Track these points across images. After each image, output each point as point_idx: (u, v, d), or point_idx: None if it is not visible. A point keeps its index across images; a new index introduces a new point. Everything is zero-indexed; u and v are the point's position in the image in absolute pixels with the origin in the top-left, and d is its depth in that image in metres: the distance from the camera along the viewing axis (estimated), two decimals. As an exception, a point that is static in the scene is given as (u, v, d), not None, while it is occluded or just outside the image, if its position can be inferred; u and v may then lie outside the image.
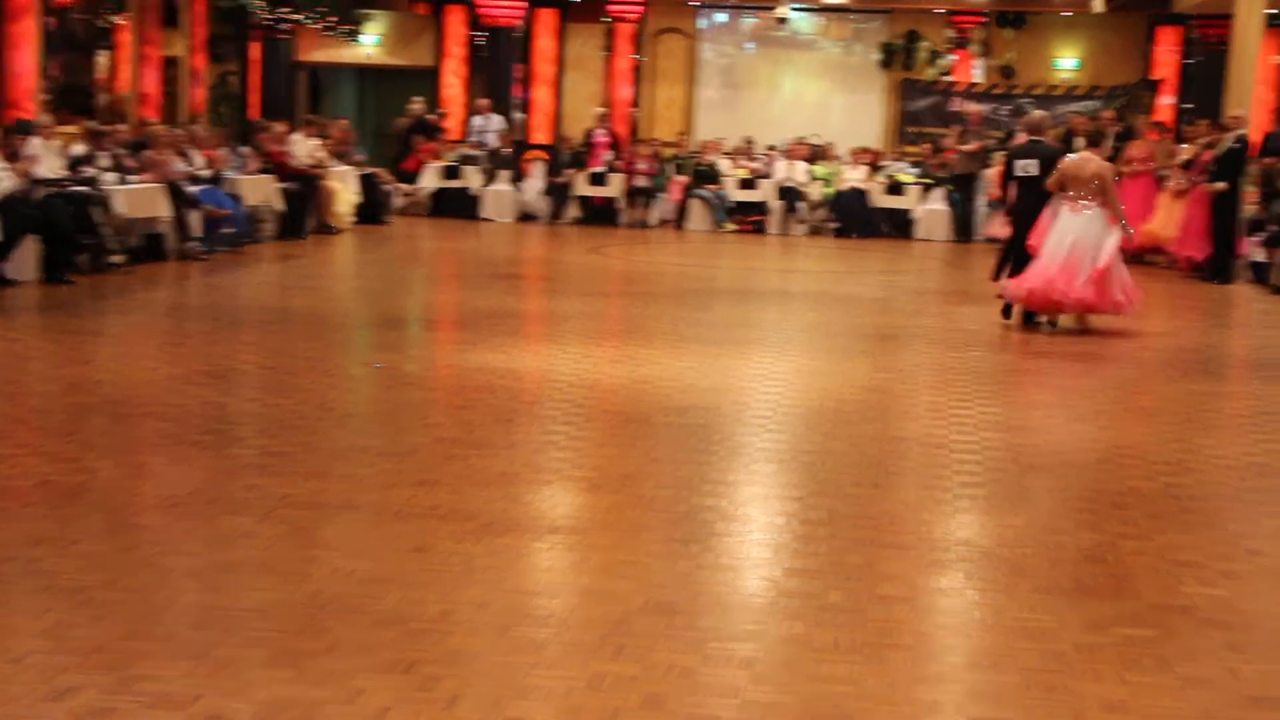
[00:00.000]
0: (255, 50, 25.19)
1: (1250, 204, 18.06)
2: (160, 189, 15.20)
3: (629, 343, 11.18)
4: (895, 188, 22.55)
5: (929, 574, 5.48)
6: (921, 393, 9.48)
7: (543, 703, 4.14)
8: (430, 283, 16.16)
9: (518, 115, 26.68)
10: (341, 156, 21.13)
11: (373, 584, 5.08)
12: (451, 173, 23.26)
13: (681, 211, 22.81)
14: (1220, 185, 16.96)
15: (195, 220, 15.68)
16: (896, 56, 26.75)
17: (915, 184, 22.57)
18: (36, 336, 10.89)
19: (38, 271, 13.01)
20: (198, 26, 23.56)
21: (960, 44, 26.80)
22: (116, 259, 14.13)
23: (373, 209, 21.31)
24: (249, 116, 24.18)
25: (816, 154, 23.94)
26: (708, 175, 22.73)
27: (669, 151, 24.06)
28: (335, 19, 24.83)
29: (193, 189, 15.82)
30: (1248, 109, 19.51)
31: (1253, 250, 17.39)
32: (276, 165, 18.67)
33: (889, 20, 26.85)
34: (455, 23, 26.92)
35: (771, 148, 23.96)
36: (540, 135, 26.43)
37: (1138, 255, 17.96)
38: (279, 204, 18.18)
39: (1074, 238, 12.02)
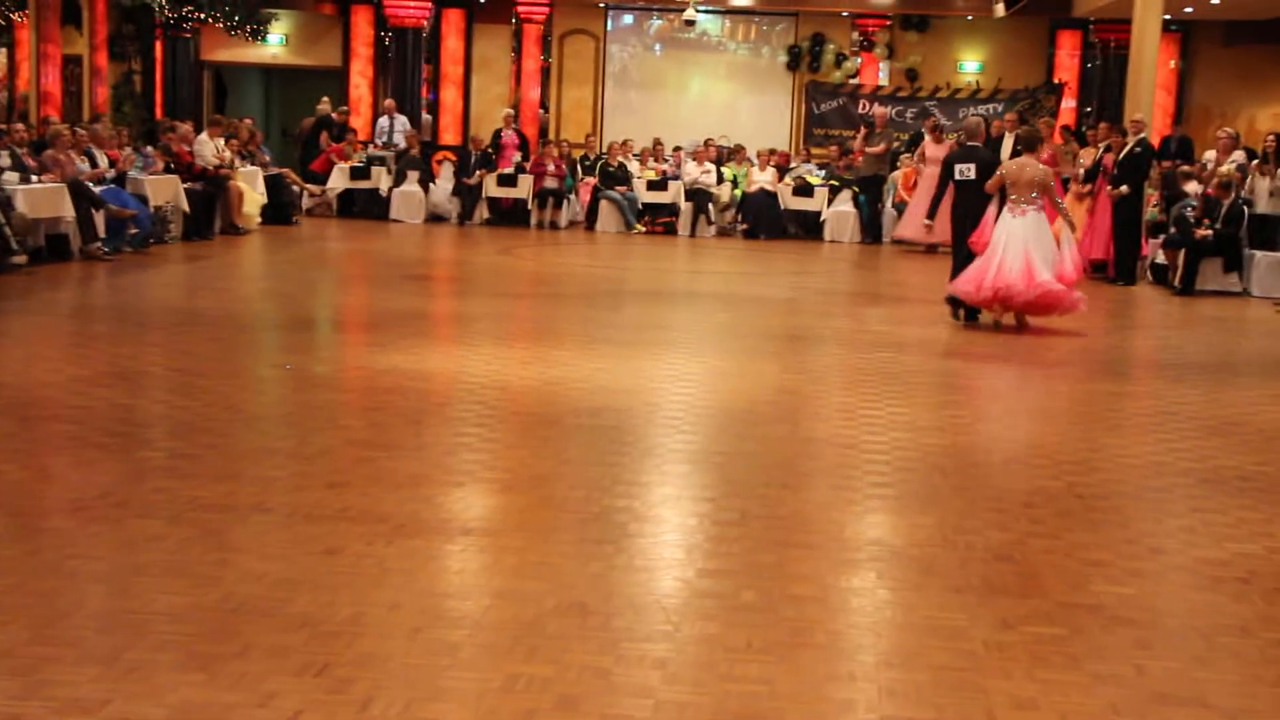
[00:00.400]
0: (159, 49, 24.93)
1: (1151, 206, 18.34)
2: (62, 189, 15.00)
3: (540, 344, 11.16)
4: (803, 189, 22.67)
5: (841, 573, 5.52)
6: (832, 393, 9.54)
7: (457, 704, 4.13)
8: (339, 284, 16.06)
9: (426, 116, 26.58)
10: (248, 157, 20.95)
11: (284, 587, 5.04)
12: (360, 173, 23.12)
13: (591, 213, 22.82)
14: (1124, 189, 17.20)
15: (100, 220, 15.49)
16: (803, 59, 26.91)
17: (823, 186, 22.70)
18: (-64, 338, 10.72)
19: (-63, 272, 12.83)
20: (99, 24, 23.30)
21: (865, 47, 26.99)
22: (18, 259, 13.93)
23: (280, 210, 21.15)
24: (154, 116, 23.93)
25: (726, 156, 24.05)
26: (617, 177, 22.74)
27: (578, 153, 24.07)
28: (240, 18, 24.61)
29: (97, 189, 15.64)
30: (1147, 113, 19.80)
31: (1154, 252, 17.67)
32: (182, 165, 18.48)
33: (795, 23, 26.99)
34: (362, 23, 26.78)
35: (678, 149, 24.03)
36: (449, 136, 26.34)
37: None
38: (185, 204, 18.00)
39: (1017, 240, 12.38)
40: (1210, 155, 18.83)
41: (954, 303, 13.12)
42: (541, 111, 27.44)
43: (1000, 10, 24.64)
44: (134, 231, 16.26)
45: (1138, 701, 4.35)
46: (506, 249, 19.18)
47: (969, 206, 13.25)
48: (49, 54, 21.71)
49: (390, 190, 22.95)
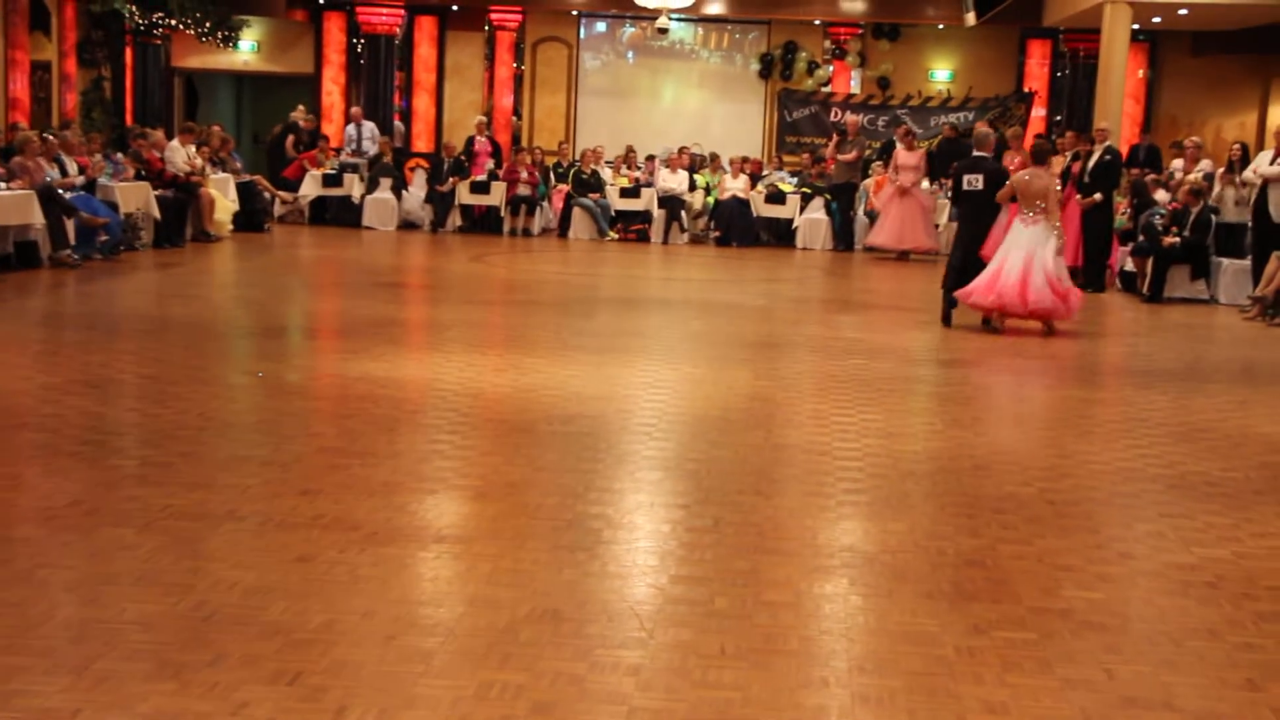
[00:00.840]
0: (129, 55, 24.85)
1: (1120, 214, 18.43)
2: (31, 196, 14.94)
3: (513, 351, 11.16)
4: (776, 197, 22.71)
5: (813, 580, 5.54)
6: (804, 400, 9.56)
7: (430, 712, 4.13)
8: (311, 291, 16.03)
9: (398, 124, 26.56)
10: (220, 164, 20.91)
11: (257, 595, 5.04)
12: (332, 181, 23.08)
13: (564, 220, 22.83)
14: (1097, 197, 17.30)
15: (70, 228, 15.44)
16: (775, 67, 26.98)
17: (795, 193, 22.75)
18: (-94, 346, 10.67)
19: (-93, 280, 12.76)
20: (68, 30, 23.22)
21: (837, 55, 27.08)
22: (-12, 267, 13.89)
23: (252, 217, 21.11)
24: (124, 122, 23.85)
25: (699, 163, 24.10)
26: (590, 184, 22.76)
27: (551, 160, 24.08)
28: (211, 25, 24.55)
29: (67, 196, 15.59)
30: (1116, 121, 19.92)
31: (1123, 259, 17.76)
32: (153, 172, 18.43)
33: (767, 31, 27.07)
34: (334, 29, 26.76)
35: (651, 157, 24.05)
36: (421, 143, 26.33)
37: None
38: (156, 211, 17.95)
39: (1021, 249, 12.84)
40: (1178, 165, 18.96)
41: (947, 310, 13.50)
42: (514, 119, 27.46)
43: (971, 19, 24.76)
44: (104, 239, 16.21)
45: (1107, 705, 4.38)
46: (479, 256, 19.17)
47: (976, 217, 13.61)
48: (17, 60, 21.63)
49: (363, 197, 22.93)
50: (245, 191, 21.11)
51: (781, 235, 22.87)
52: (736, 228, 22.47)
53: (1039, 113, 26.42)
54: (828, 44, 27.10)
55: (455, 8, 26.57)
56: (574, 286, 16.80)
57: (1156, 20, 23.34)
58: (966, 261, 13.45)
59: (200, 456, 7.23)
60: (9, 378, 9.33)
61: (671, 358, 10.96)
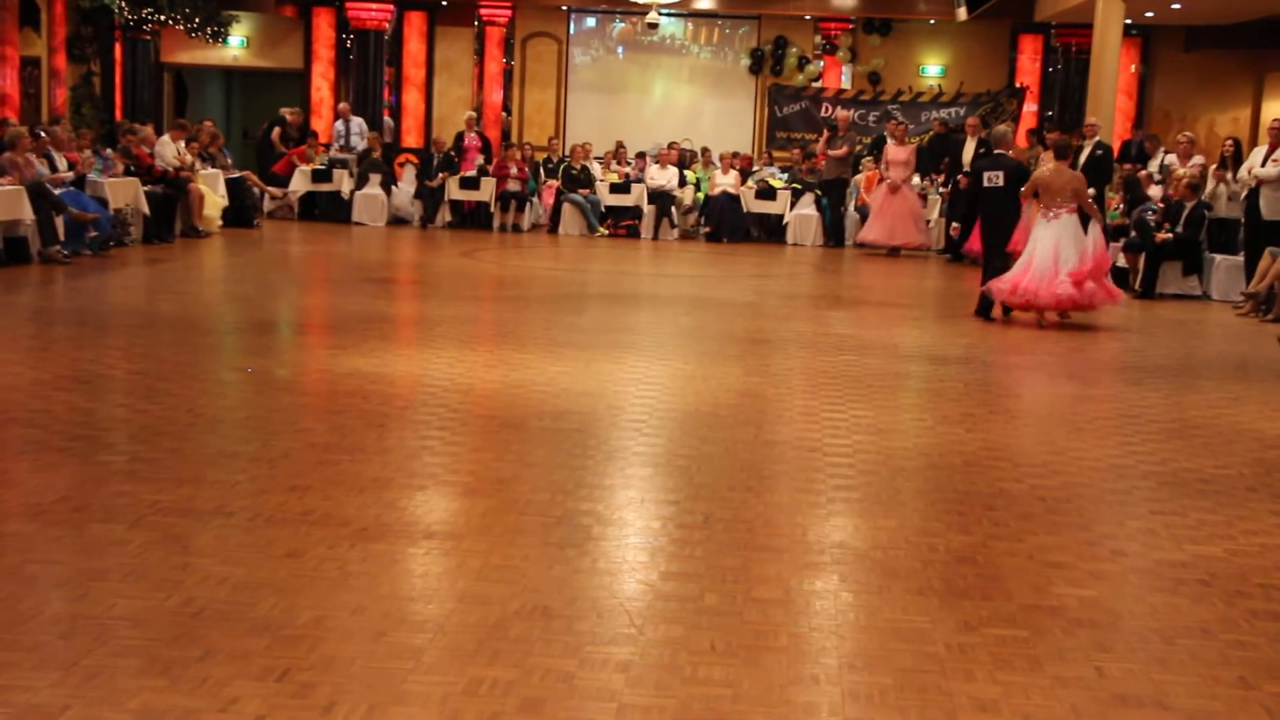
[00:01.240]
0: (118, 51, 24.80)
1: (1112, 209, 18.43)
2: (21, 191, 14.91)
3: (503, 347, 11.14)
4: (766, 192, 22.70)
5: (804, 576, 5.52)
6: (794, 396, 9.55)
7: (420, 708, 4.12)
8: (301, 287, 16.00)
9: (387, 120, 26.53)
10: (209, 159, 20.86)
11: (246, 590, 5.02)
12: (322, 176, 23.04)
13: (554, 216, 22.80)
14: (1091, 192, 17.29)
15: (59, 223, 15.40)
16: (765, 62, 26.95)
17: (785, 189, 22.73)
18: (-106, 341, 10.63)
19: (-105, 275, 12.72)
20: (58, 26, 23.16)
21: (828, 50, 27.06)
22: (-24, 263, 13.85)
23: (241, 212, 21.07)
24: (113, 118, 23.80)
25: (687, 159, 24.09)
26: (580, 180, 22.73)
27: (541, 156, 24.05)
28: (200, 20, 24.51)
29: (57, 192, 15.55)
30: (1109, 117, 19.92)
31: (1115, 255, 17.75)
32: (142, 168, 18.39)
33: (757, 26, 27.04)
34: (323, 25, 26.72)
35: (642, 154, 24.03)
36: (411, 139, 26.30)
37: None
38: (145, 207, 17.92)
39: (1048, 243, 13.25)
40: (1172, 159, 18.97)
41: (983, 307, 13.83)
42: (504, 114, 27.43)
43: (962, 14, 24.75)
44: (94, 234, 16.18)
45: (1099, 703, 4.37)
46: (469, 252, 19.15)
47: (996, 213, 13.98)
48: (7, 56, 21.56)
49: (352, 193, 22.89)
50: (235, 187, 21.07)
51: (772, 231, 22.86)
52: (727, 223, 22.46)
53: (1031, 108, 26.42)
54: (818, 39, 27.07)
55: (444, 3, 26.55)
56: (564, 282, 16.79)
57: (1149, 15, 23.34)
58: (994, 256, 13.91)
59: (189, 452, 7.21)
60: (-3, 373, 9.31)
61: (662, 354, 10.94)
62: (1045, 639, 4.90)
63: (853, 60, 27.27)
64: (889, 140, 21.35)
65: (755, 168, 23.99)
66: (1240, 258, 16.41)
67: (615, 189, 22.79)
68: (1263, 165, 15.89)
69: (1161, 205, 17.27)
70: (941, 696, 4.36)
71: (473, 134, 23.46)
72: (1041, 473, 7.43)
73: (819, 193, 22.45)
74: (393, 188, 23.10)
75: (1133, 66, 26.21)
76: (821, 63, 27.09)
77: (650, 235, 22.54)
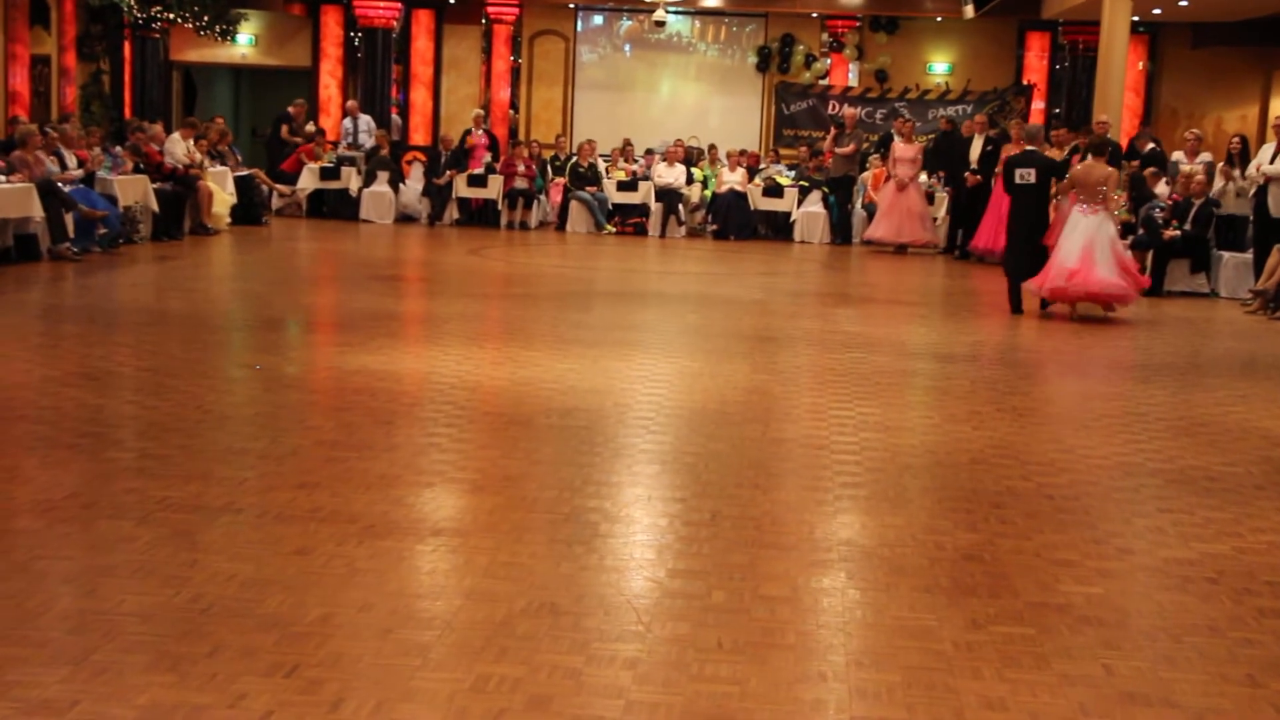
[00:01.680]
0: (127, 49, 24.84)
1: (1119, 207, 18.41)
2: (31, 189, 14.93)
3: (510, 344, 11.15)
4: (773, 190, 22.69)
5: (811, 574, 5.53)
6: (802, 394, 9.55)
7: (427, 705, 4.13)
8: (309, 284, 16.02)
9: (395, 118, 26.54)
10: (218, 157, 20.88)
11: (254, 587, 5.03)
12: (330, 174, 23.06)
13: (561, 214, 22.81)
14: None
15: (69, 221, 15.43)
16: (772, 60, 26.95)
17: (792, 186, 22.72)
18: (-97, 339, 10.65)
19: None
20: (68, 24, 23.23)
21: (835, 48, 27.06)
22: (-14, 259, 13.87)
23: (250, 210, 21.09)
24: (122, 116, 23.85)
25: (696, 156, 24.08)
26: (587, 177, 22.73)
27: (548, 153, 24.06)
28: (209, 18, 24.55)
29: (66, 189, 15.58)
30: (1116, 114, 19.90)
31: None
32: (151, 165, 18.41)
33: (764, 24, 27.04)
34: (331, 23, 26.74)
35: (649, 152, 24.01)
36: (419, 137, 26.31)
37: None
38: (154, 204, 17.94)
39: (1080, 237, 13.54)
40: (1178, 156, 18.95)
41: (1014, 298, 14.14)
42: (511, 112, 27.44)
43: (969, 12, 24.74)
44: (103, 232, 16.20)
45: (1106, 701, 4.37)
46: (476, 249, 19.16)
47: (1029, 209, 14.21)
48: (17, 54, 21.63)
49: (360, 191, 22.90)
50: (243, 185, 21.09)
51: (779, 229, 22.84)
52: (734, 221, 22.45)
53: (1038, 106, 26.39)
54: (825, 37, 27.07)
55: (452, 1, 26.54)
56: (571, 280, 16.79)
57: (1156, 12, 23.33)
58: (1026, 251, 14.12)
59: (198, 449, 7.22)
60: (8, 370, 9.32)
61: (669, 351, 10.95)
62: (1053, 637, 4.90)
63: (860, 58, 27.27)
64: (896, 138, 21.33)
65: (762, 165, 23.99)
66: (1248, 255, 16.39)
67: (622, 187, 22.78)
68: (1271, 162, 15.86)
69: (1169, 203, 17.24)
70: (949, 694, 4.37)
71: (480, 132, 23.46)
72: (1049, 470, 7.43)
73: (826, 190, 22.44)
74: (400, 185, 23.11)
75: (1140, 64, 26.19)
76: (828, 60, 27.09)
77: (657, 233, 22.53)
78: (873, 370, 10.38)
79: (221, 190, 19.94)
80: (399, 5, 25.87)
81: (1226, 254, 16.73)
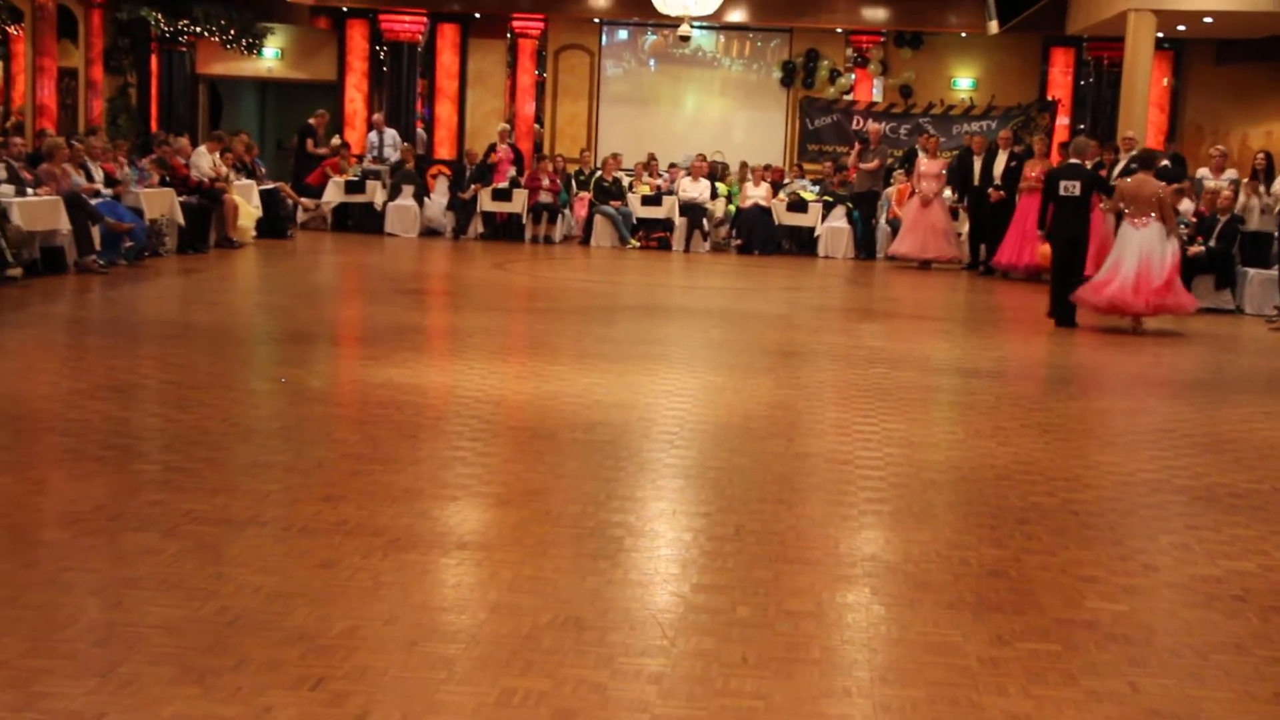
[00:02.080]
0: (154, 62, 24.95)
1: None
2: (58, 202, 15.01)
3: (535, 358, 11.17)
4: (798, 205, 22.68)
5: (836, 589, 5.52)
6: (826, 409, 9.55)
7: (452, 719, 4.13)
8: (334, 297, 16.06)
9: (420, 132, 26.60)
10: (244, 170, 20.96)
11: (279, 600, 5.05)
12: (355, 187, 23.12)
13: (586, 228, 22.83)
14: (1121, 205, 17.23)
15: (95, 233, 15.50)
16: (797, 75, 26.93)
17: (817, 201, 22.72)
18: (-69, 350, 10.71)
19: (-68, 284, 12.81)
20: (95, 38, 23.35)
21: (860, 63, 27.04)
22: (13, 272, 13.91)
23: (275, 223, 21.15)
24: (149, 129, 23.95)
25: (720, 171, 24.09)
26: (611, 192, 22.75)
27: (573, 168, 24.09)
28: (235, 32, 24.65)
29: (93, 202, 15.66)
30: (1140, 130, 19.86)
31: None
32: (178, 178, 18.49)
33: (789, 39, 27.02)
34: (357, 37, 26.78)
35: (674, 166, 24.03)
36: (444, 151, 26.36)
37: (1034, 273, 18.22)
38: (180, 217, 18.01)
39: (1134, 250, 13.69)
40: (1204, 172, 18.90)
41: (1059, 311, 14.25)
42: (536, 126, 27.48)
43: (994, 27, 24.72)
44: (129, 244, 16.27)
45: (1132, 718, 4.36)
46: (501, 264, 19.19)
47: (1071, 222, 14.37)
48: (45, 67, 21.74)
49: (385, 204, 22.95)
50: (269, 198, 21.16)
51: (803, 244, 22.84)
52: (758, 236, 22.46)
53: (1063, 121, 26.34)
54: (850, 52, 27.06)
55: (478, 15, 26.59)
56: (595, 294, 16.81)
57: (1181, 28, 23.26)
58: (1069, 264, 14.29)
59: (223, 462, 7.24)
60: (35, 383, 9.37)
61: (693, 366, 10.95)
62: (1078, 653, 4.89)
63: (884, 73, 27.25)
64: (920, 153, 21.32)
65: (786, 180, 23.99)
66: (1274, 271, 16.34)
67: (647, 201, 22.78)
68: (1296, 179, 15.83)
69: (1194, 219, 17.20)
70: (974, 710, 4.36)
71: (505, 146, 23.50)
72: (1074, 486, 7.41)
73: (850, 205, 22.44)
74: (425, 199, 23.17)
75: (1165, 80, 26.11)
76: (853, 75, 27.07)
77: (682, 247, 22.55)
78: (897, 385, 10.37)
79: (247, 203, 20.01)
80: (425, 19, 25.94)
81: (1251, 270, 16.69)
